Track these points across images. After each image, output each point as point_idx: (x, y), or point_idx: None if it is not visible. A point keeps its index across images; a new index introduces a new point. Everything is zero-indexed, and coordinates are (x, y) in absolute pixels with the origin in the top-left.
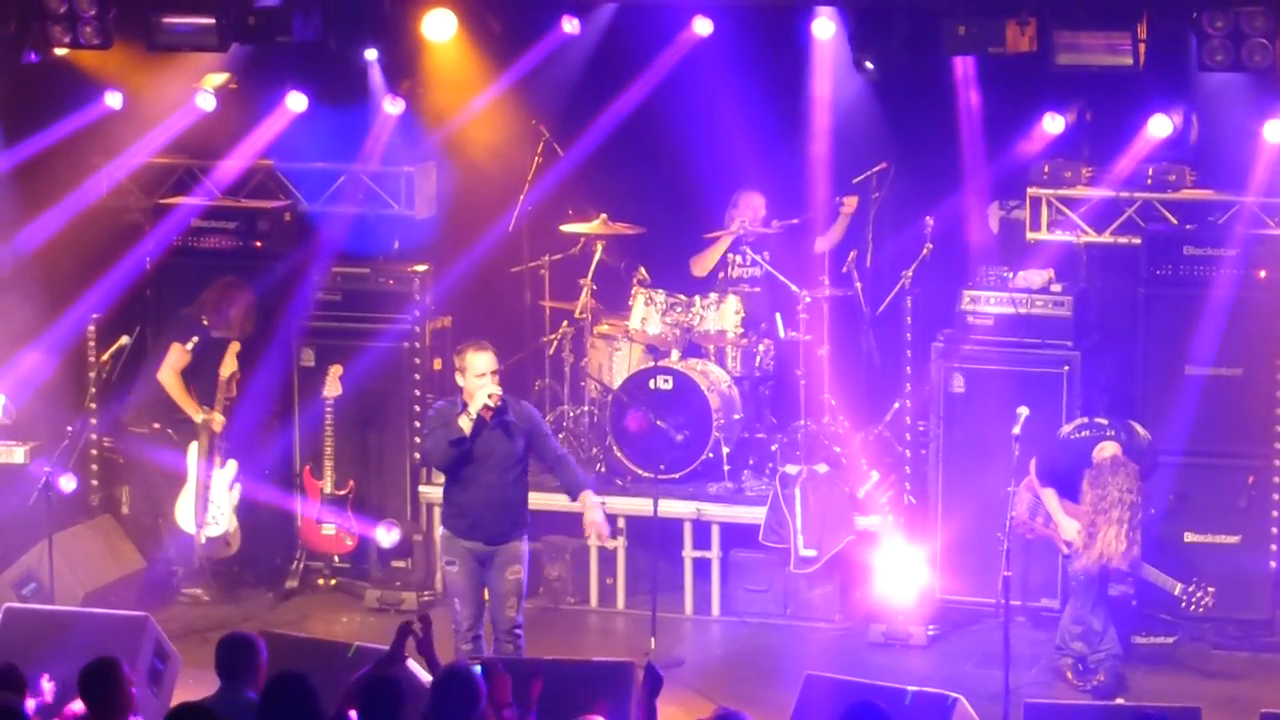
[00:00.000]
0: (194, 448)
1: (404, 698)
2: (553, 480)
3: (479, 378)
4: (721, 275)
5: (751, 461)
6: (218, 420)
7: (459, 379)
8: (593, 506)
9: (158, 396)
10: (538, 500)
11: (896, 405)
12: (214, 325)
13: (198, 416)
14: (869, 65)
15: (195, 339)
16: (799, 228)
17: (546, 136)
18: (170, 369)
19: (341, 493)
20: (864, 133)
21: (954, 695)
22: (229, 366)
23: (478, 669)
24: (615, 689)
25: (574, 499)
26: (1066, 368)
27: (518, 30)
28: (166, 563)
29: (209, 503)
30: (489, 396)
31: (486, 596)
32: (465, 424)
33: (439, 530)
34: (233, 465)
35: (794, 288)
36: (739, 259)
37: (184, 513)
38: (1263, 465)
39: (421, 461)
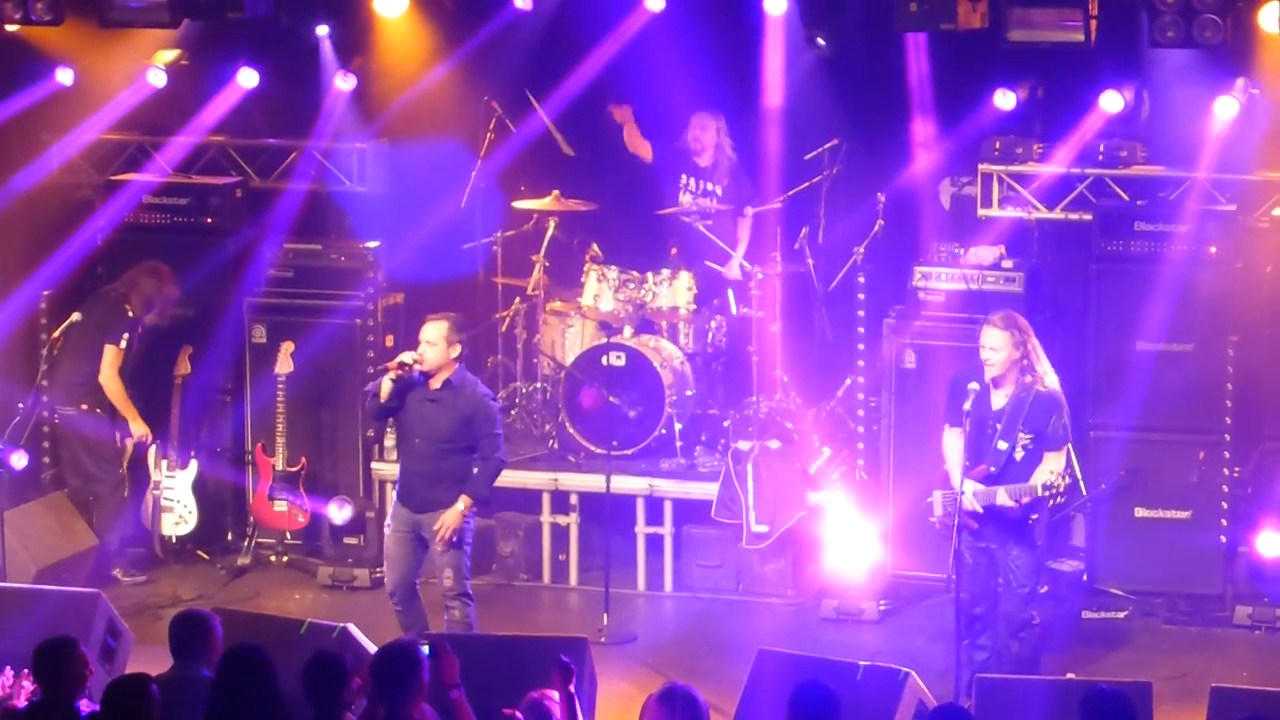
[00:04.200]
0: (153, 451)
1: (349, 674)
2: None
3: (421, 343)
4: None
5: (704, 437)
6: (148, 436)
7: None
8: (452, 511)
9: (86, 379)
10: None
11: (848, 381)
12: (138, 312)
13: (138, 428)
14: (821, 41)
15: (126, 335)
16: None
17: (499, 112)
18: (111, 371)
19: (293, 469)
20: (816, 109)
21: (905, 670)
22: (182, 368)
23: (426, 648)
24: None
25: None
26: None
27: (469, 6)
28: (114, 549)
29: (175, 503)
30: (397, 363)
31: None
32: (385, 385)
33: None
34: (194, 466)
35: (747, 265)
36: (692, 182)
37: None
38: (1213, 441)
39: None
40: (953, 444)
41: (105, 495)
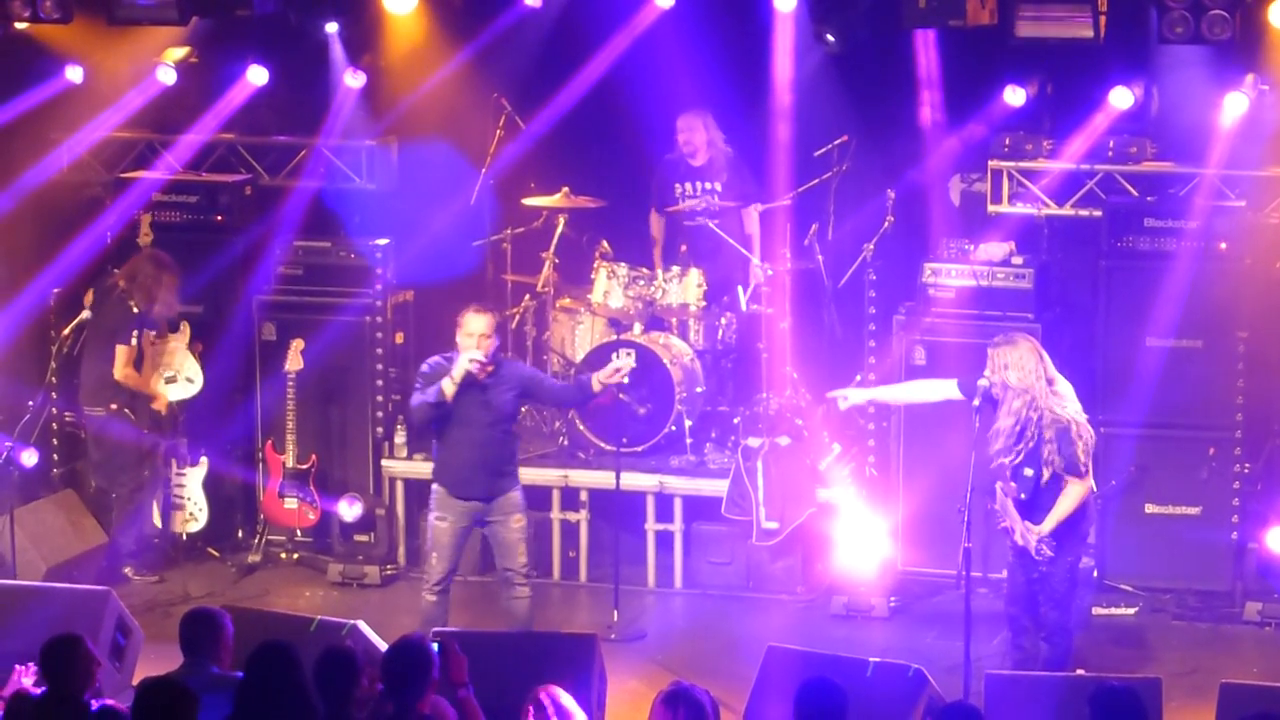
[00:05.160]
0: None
1: (360, 669)
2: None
3: (468, 337)
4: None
5: (714, 434)
6: (163, 401)
7: (458, 336)
8: (602, 373)
9: (109, 380)
10: None
11: (858, 378)
12: (143, 307)
13: (160, 396)
14: (830, 38)
15: (135, 333)
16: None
17: (508, 109)
18: (126, 369)
19: (304, 467)
20: (825, 106)
21: (915, 666)
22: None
23: (435, 646)
24: (577, 661)
25: (592, 389)
26: None
27: (479, 3)
28: (128, 549)
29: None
30: (470, 361)
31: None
32: (449, 387)
33: (434, 487)
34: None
35: (756, 261)
36: (688, 187)
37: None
38: (1223, 437)
39: (405, 419)
40: (923, 384)
41: (124, 498)
